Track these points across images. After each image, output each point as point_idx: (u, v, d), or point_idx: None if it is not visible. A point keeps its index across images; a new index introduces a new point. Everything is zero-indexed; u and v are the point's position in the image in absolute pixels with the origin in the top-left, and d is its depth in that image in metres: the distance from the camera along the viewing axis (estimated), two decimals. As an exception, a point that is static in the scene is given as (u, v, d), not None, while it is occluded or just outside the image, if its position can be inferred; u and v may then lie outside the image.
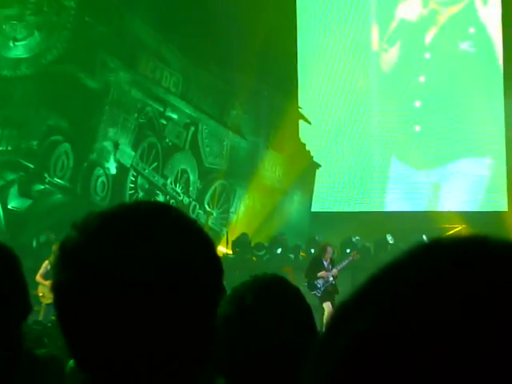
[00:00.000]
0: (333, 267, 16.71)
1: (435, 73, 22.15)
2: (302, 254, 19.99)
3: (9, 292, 1.91)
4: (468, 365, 0.63)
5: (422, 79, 22.34)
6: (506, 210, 21.65)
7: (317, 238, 19.92)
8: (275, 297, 2.40)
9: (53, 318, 11.79)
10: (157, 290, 1.46)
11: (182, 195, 21.16)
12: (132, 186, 20.26)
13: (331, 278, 16.51)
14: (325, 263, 16.62)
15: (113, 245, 1.47)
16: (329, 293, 16.31)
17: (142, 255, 1.46)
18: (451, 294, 0.66)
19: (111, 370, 1.48)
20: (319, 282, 16.34)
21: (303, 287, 14.66)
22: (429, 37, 22.37)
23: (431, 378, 0.64)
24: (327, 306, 15.95)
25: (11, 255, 2.00)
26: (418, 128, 22.44)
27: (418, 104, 22.32)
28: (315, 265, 16.69)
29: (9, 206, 18.92)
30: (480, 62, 22.26)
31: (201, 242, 1.55)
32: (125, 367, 1.48)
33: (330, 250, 16.80)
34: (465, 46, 22.25)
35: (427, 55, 22.29)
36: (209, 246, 1.57)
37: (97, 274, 1.45)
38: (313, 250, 19.13)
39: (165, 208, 1.58)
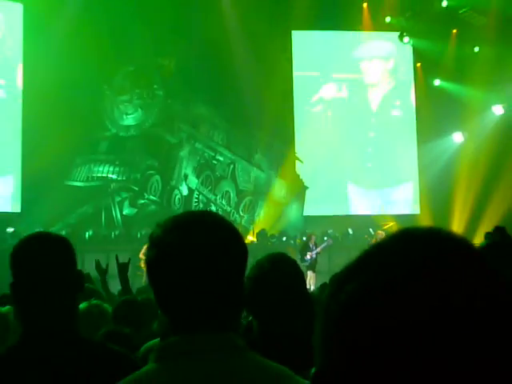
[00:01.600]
0: (316, 247, 18.81)
1: (379, 130, 23.76)
2: (298, 240, 21.48)
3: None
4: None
5: (371, 134, 23.74)
6: (419, 213, 23.24)
7: (307, 231, 21.21)
8: (282, 263, 2.89)
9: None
10: (207, 261, 1.68)
11: (226, 206, 22.38)
12: (196, 200, 21.85)
13: (314, 256, 18.61)
14: (310, 246, 18.86)
15: (179, 235, 1.73)
16: (311, 264, 18.55)
17: (199, 240, 1.71)
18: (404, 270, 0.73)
19: (181, 313, 1.72)
20: (307, 258, 18.58)
21: (298, 260, 15.98)
22: (374, 106, 24.09)
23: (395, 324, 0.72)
24: (310, 273, 18.24)
25: (67, 243, 2.33)
26: (369, 164, 23.54)
27: (369, 149, 23.59)
28: (304, 247, 19.07)
29: (124, 213, 20.90)
30: (403, 121, 24.12)
31: (233, 234, 1.77)
32: (190, 311, 1.71)
33: (313, 237, 19.15)
34: (394, 112, 24.05)
35: (373, 119, 23.91)
36: (239, 237, 1.77)
37: (170, 252, 1.71)
38: (304, 238, 20.62)
39: (211, 214, 1.83)
